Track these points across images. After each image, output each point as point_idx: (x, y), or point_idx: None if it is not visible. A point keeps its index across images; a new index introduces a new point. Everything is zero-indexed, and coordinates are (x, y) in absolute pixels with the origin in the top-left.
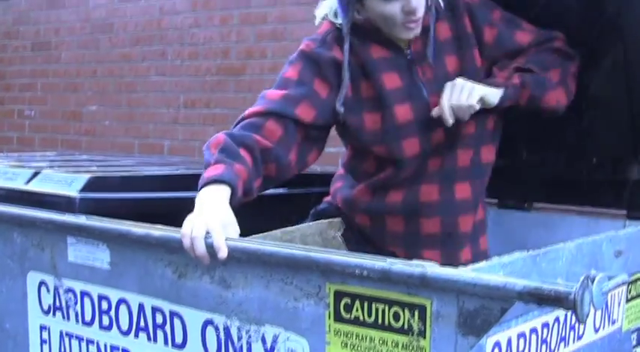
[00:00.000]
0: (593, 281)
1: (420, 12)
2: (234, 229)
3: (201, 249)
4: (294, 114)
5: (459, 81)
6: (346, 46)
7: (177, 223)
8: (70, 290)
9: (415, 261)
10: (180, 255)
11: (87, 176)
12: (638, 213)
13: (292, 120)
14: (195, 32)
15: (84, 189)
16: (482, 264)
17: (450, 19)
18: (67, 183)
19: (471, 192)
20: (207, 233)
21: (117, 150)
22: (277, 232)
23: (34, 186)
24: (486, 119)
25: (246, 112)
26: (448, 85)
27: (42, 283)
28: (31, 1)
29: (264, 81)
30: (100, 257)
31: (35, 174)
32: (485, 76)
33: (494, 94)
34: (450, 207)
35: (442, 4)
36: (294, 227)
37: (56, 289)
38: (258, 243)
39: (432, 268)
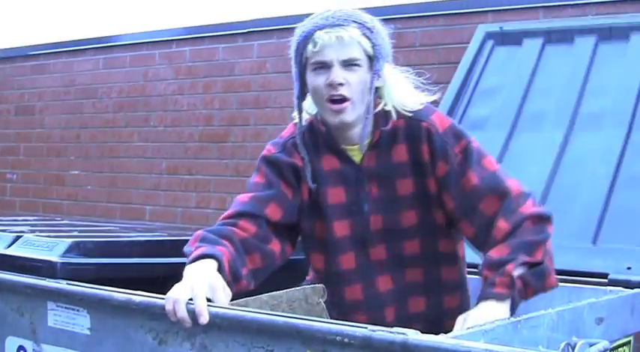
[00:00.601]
0: (574, 349)
1: (347, 90)
2: (226, 292)
3: (182, 312)
4: (264, 214)
5: (471, 317)
6: (304, 154)
7: (159, 289)
8: None
9: (396, 329)
10: (161, 322)
11: (68, 241)
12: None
13: (263, 219)
14: (178, 98)
15: (65, 254)
16: (464, 331)
17: (410, 143)
18: (49, 248)
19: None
20: (191, 299)
21: (99, 215)
22: (264, 296)
23: (15, 251)
24: (436, 242)
25: (220, 218)
26: (460, 320)
27: (20, 348)
28: (15, 66)
29: (247, 147)
30: (80, 322)
31: (16, 239)
32: (437, 203)
33: (503, 312)
34: (403, 293)
35: (398, 121)
36: (281, 291)
37: None
38: (239, 309)
39: (414, 335)
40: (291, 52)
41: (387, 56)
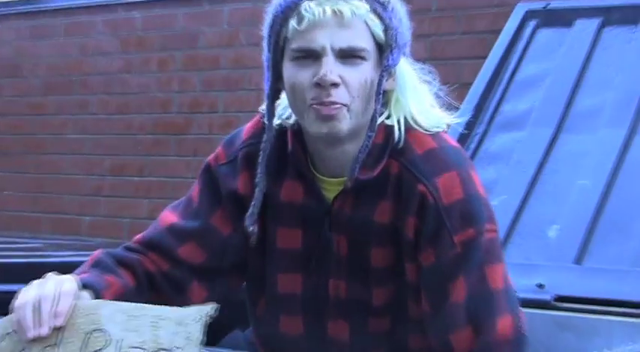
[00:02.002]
0: None
1: (343, 94)
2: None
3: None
4: (176, 254)
5: None
6: (260, 179)
7: None
8: None
9: None
10: None
11: None
12: None
13: (178, 259)
14: (125, 78)
15: None
16: None
17: (396, 203)
18: None
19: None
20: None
21: (21, 229)
22: (126, 305)
23: None
24: (410, 329)
25: (134, 239)
26: None
27: None
28: None
29: (214, 140)
30: None
31: None
32: (415, 295)
33: None
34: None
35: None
36: (156, 306)
37: None
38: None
39: None
40: (265, 29)
41: (405, 46)
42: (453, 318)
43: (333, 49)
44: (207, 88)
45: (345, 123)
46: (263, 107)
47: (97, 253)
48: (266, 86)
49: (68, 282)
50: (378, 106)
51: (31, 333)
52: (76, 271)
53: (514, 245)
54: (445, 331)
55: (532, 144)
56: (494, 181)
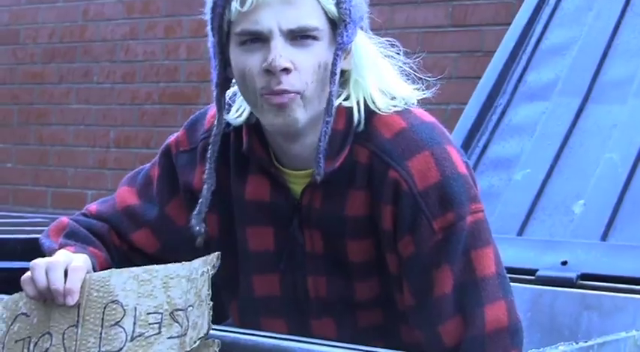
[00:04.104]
0: None
1: (296, 79)
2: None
3: (58, 281)
4: (130, 240)
5: None
6: (209, 176)
7: None
8: None
9: None
10: None
11: None
12: None
13: (131, 243)
14: (131, 45)
15: None
16: None
17: (371, 193)
18: None
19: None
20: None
21: (22, 203)
22: (136, 269)
23: None
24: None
25: (86, 207)
26: None
27: None
28: None
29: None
30: None
31: None
32: (400, 287)
33: None
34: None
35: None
36: (160, 266)
37: None
38: (219, 329)
39: None
40: (206, 13)
41: (361, 20)
42: (441, 310)
43: (281, 31)
44: None
45: (300, 112)
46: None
47: (63, 221)
48: (214, 75)
49: (79, 259)
50: (335, 88)
51: (54, 286)
52: (48, 242)
53: (538, 221)
54: (433, 323)
55: (557, 115)
56: (518, 155)
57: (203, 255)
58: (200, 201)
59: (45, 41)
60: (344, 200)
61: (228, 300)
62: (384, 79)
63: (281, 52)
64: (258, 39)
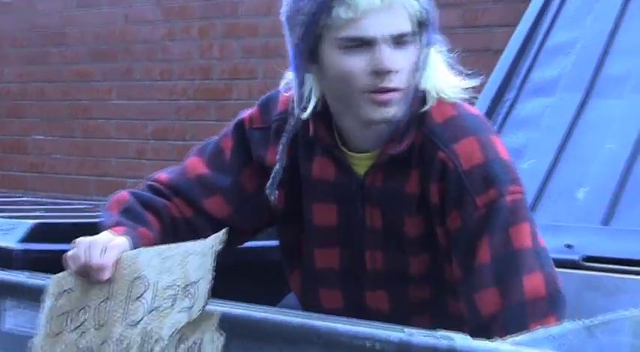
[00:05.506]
0: None
1: (399, 79)
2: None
3: (96, 257)
4: (202, 205)
5: None
6: (281, 156)
7: None
8: None
9: (440, 332)
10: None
11: (30, 222)
12: None
13: (202, 210)
14: (168, 45)
15: (26, 239)
16: (524, 336)
17: (422, 172)
18: (5, 231)
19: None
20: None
21: (69, 190)
22: (159, 247)
23: None
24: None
25: (154, 176)
26: None
27: None
28: None
29: (253, 106)
30: None
31: None
32: (449, 259)
33: None
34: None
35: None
36: (178, 244)
37: None
38: (244, 307)
39: (463, 340)
40: (296, 16)
41: (435, 24)
42: (479, 279)
43: (384, 37)
44: (246, 55)
45: (397, 108)
46: (285, 91)
47: (124, 195)
48: (296, 74)
49: (119, 239)
50: (419, 83)
51: (93, 261)
52: (106, 215)
53: (543, 207)
54: (471, 291)
55: (561, 109)
56: (524, 145)
57: (268, 222)
58: (273, 174)
59: (90, 42)
60: (403, 178)
61: (289, 271)
62: (441, 72)
63: (389, 56)
64: (363, 44)
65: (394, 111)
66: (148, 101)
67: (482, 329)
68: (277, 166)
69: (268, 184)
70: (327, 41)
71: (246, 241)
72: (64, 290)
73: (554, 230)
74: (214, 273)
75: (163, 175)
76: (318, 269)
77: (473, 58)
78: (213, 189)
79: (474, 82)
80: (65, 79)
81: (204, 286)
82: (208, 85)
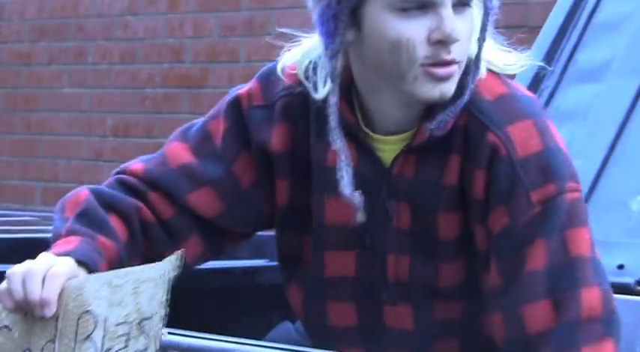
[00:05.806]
0: None
1: (461, 50)
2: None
3: (35, 291)
4: (185, 203)
5: None
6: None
7: None
8: None
9: None
10: None
11: None
12: None
13: (185, 207)
14: (130, 21)
15: None
16: None
17: (465, 157)
18: None
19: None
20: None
21: (9, 200)
22: (110, 274)
23: None
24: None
25: (126, 167)
26: None
27: None
28: None
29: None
30: None
31: None
32: (486, 264)
33: None
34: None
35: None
36: (133, 268)
37: None
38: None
39: None
40: None
41: None
42: (529, 289)
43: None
44: (227, 33)
45: (453, 83)
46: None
47: (82, 193)
48: (326, 42)
49: (61, 264)
50: (481, 55)
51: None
52: (58, 220)
53: (591, 219)
54: (516, 303)
55: (613, 99)
56: (568, 143)
57: (264, 224)
58: (342, 170)
59: (33, 18)
60: (441, 167)
61: (287, 281)
62: (491, 41)
63: (453, 22)
64: (423, 5)
65: (451, 87)
66: (106, 89)
67: (524, 349)
68: (343, 158)
69: (344, 183)
70: (378, 2)
71: (232, 248)
72: (1, 327)
73: (604, 247)
74: (168, 308)
75: (137, 165)
76: (328, 278)
77: (505, 35)
78: (200, 180)
79: (524, 59)
80: (2, 62)
81: (158, 324)
82: (179, 69)
